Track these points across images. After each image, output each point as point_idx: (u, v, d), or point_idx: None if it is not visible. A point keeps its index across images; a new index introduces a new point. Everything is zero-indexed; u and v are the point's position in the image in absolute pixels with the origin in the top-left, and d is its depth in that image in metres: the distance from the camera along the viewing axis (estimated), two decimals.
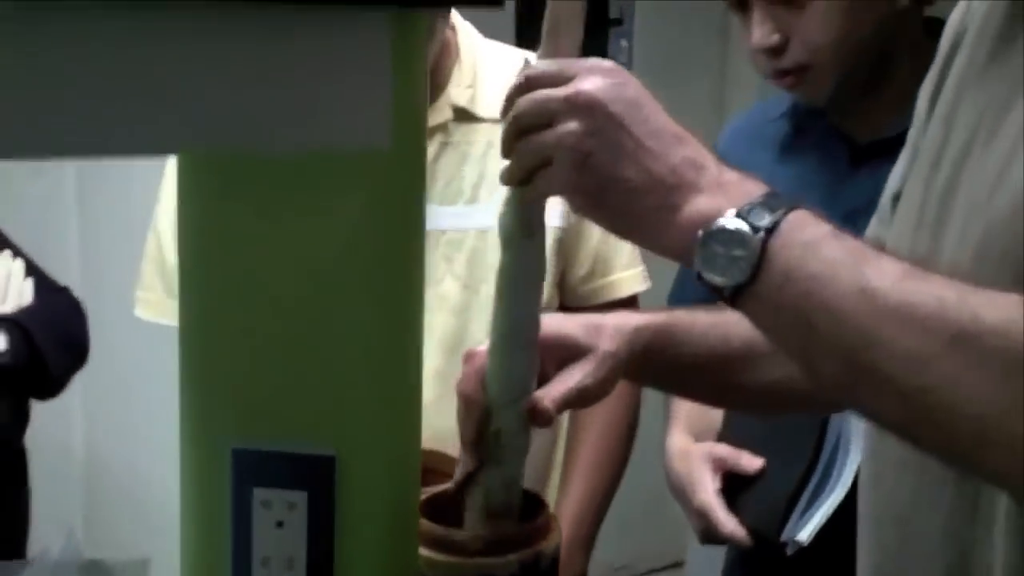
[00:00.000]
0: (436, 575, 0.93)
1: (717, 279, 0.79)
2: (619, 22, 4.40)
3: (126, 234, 1.90)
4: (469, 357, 0.96)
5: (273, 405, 0.87)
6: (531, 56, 0.94)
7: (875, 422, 0.87)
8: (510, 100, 0.87)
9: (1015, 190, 0.82)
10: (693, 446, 1.42)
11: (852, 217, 1.27)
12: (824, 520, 1.30)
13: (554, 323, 0.98)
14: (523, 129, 0.86)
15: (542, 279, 0.93)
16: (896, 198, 1.04)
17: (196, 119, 0.76)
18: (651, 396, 1.45)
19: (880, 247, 0.81)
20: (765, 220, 0.78)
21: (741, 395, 1.10)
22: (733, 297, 0.79)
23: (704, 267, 0.79)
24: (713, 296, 0.81)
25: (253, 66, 0.76)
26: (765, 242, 0.77)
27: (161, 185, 1.56)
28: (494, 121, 1.40)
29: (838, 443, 1.32)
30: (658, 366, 1.03)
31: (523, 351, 0.93)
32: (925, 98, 1.02)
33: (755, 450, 1.37)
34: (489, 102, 1.43)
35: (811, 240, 0.78)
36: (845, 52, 1.36)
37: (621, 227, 0.85)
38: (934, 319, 0.73)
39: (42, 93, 0.70)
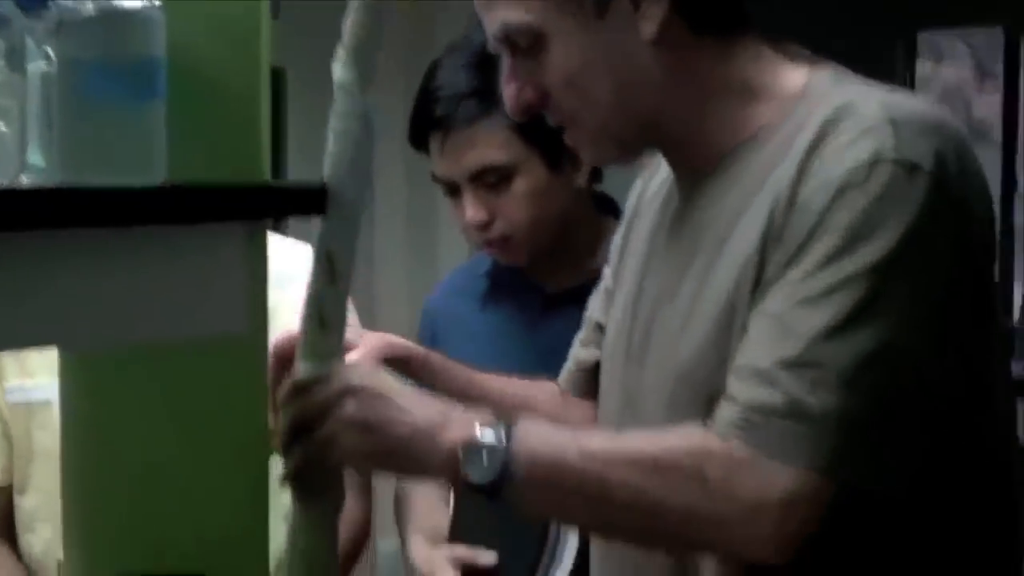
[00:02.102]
0: None
1: (481, 479, 1.07)
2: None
3: None
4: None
5: (147, 539, 1.08)
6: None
7: (622, 540, 1.19)
8: (285, 398, 1.11)
9: (693, 345, 1.14)
10: (434, 551, 1.68)
11: (546, 356, 1.59)
12: None
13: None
14: (303, 425, 1.10)
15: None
16: (599, 326, 1.37)
17: (91, 320, 0.98)
18: None
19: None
20: (503, 429, 1.08)
21: None
22: (496, 490, 1.07)
23: (471, 475, 1.08)
24: None
25: (144, 274, 0.99)
26: (508, 443, 1.07)
27: None
28: None
29: (559, 528, 1.62)
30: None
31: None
32: (616, 251, 1.35)
33: (488, 546, 1.64)
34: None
35: (539, 433, 1.10)
36: (538, 225, 1.69)
37: (402, 471, 1.16)
38: (639, 457, 1.07)
39: None
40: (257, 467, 1.12)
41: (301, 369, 1.12)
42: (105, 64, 0.95)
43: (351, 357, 1.21)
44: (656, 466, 1.06)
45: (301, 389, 1.11)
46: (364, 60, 1.11)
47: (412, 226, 4.02)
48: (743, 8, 1.18)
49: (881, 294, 1.04)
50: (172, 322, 1.02)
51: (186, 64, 1.02)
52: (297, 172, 4.60)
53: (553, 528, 1.63)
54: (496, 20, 1.16)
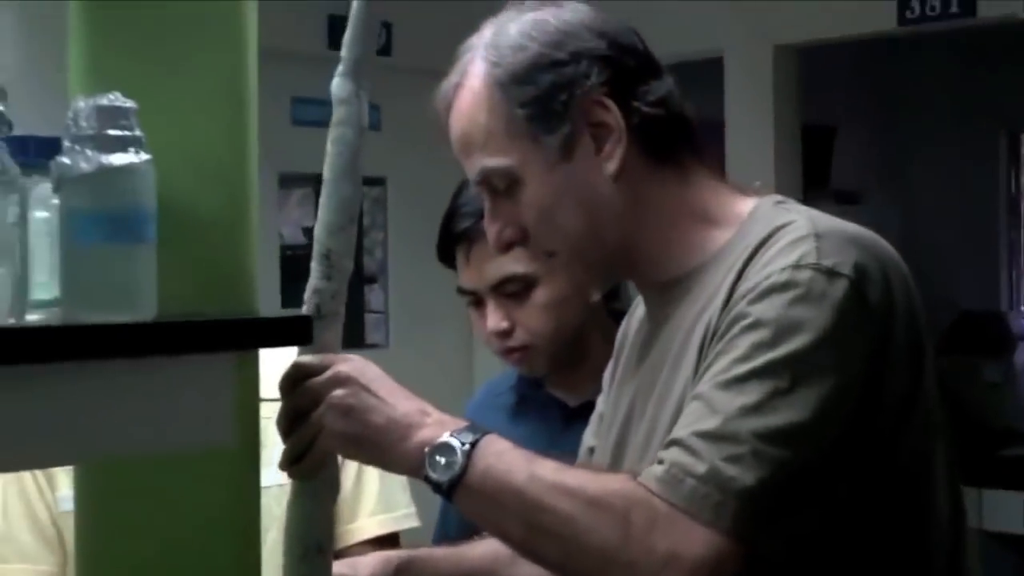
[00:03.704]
0: None
1: (438, 478, 1.19)
2: (374, 279, 4.90)
3: None
4: None
5: None
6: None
7: (552, 569, 1.26)
8: (284, 386, 1.25)
9: (654, 457, 1.21)
10: None
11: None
12: None
13: None
14: (298, 410, 1.23)
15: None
16: (590, 451, 1.44)
17: (97, 437, 1.09)
18: None
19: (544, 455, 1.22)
20: (469, 438, 1.19)
21: None
22: (449, 491, 1.18)
23: (429, 471, 1.19)
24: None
25: (140, 397, 1.10)
26: (470, 452, 1.18)
27: None
28: (269, 400, 1.49)
29: None
30: None
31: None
32: (607, 380, 1.44)
33: None
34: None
35: (499, 450, 1.20)
36: (557, 336, 1.77)
37: (374, 459, 1.25)
38: (577, 491, 1.16)
39: None
40: (250, 565, 1.22)
41: (300, 359, 1.24)
42: (99, 214, 1.07)
43: None
44: (590, 501, 1.15)
45: (298, 376, 1.23)
46: (360, 74, 1.25)
47: None
48: (697, 139, 1.29)
49: (798, 383, 1.13)
50: (167, 437, 1.13)
51: (178, 206, 1.13)
52: (397, 270, 4.80)
53: None
54: (475, 166, 1.28)
